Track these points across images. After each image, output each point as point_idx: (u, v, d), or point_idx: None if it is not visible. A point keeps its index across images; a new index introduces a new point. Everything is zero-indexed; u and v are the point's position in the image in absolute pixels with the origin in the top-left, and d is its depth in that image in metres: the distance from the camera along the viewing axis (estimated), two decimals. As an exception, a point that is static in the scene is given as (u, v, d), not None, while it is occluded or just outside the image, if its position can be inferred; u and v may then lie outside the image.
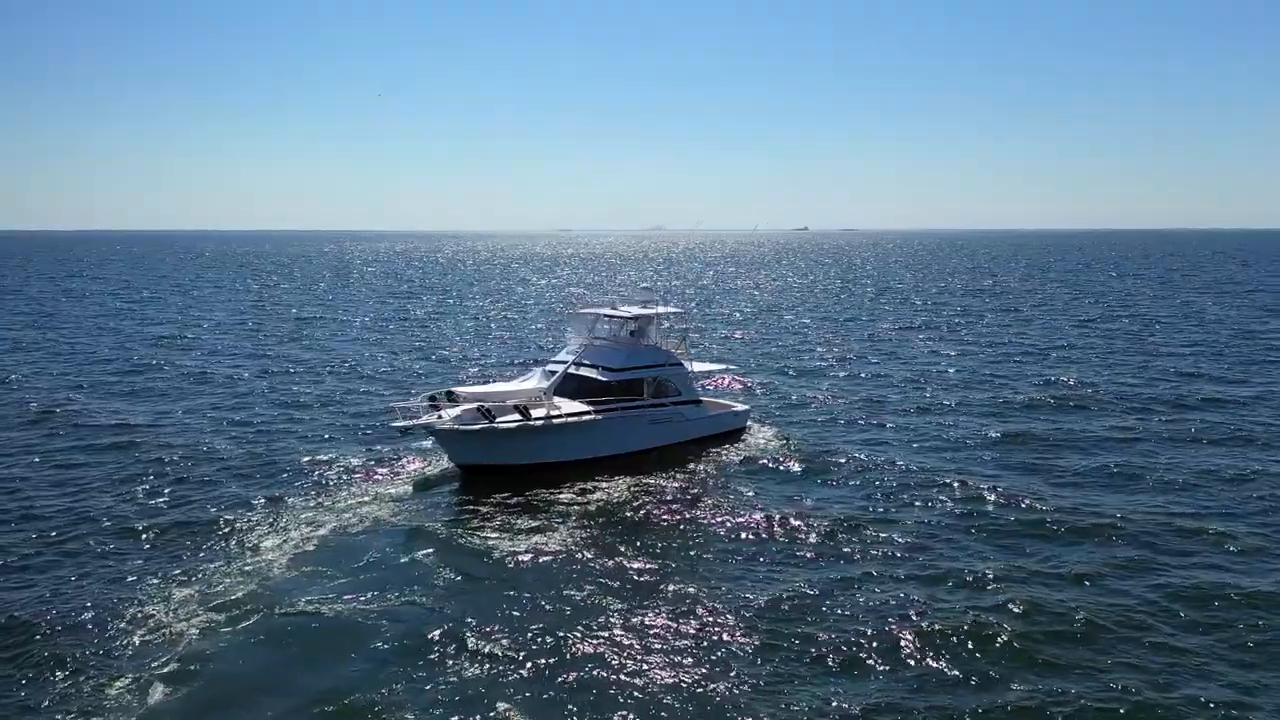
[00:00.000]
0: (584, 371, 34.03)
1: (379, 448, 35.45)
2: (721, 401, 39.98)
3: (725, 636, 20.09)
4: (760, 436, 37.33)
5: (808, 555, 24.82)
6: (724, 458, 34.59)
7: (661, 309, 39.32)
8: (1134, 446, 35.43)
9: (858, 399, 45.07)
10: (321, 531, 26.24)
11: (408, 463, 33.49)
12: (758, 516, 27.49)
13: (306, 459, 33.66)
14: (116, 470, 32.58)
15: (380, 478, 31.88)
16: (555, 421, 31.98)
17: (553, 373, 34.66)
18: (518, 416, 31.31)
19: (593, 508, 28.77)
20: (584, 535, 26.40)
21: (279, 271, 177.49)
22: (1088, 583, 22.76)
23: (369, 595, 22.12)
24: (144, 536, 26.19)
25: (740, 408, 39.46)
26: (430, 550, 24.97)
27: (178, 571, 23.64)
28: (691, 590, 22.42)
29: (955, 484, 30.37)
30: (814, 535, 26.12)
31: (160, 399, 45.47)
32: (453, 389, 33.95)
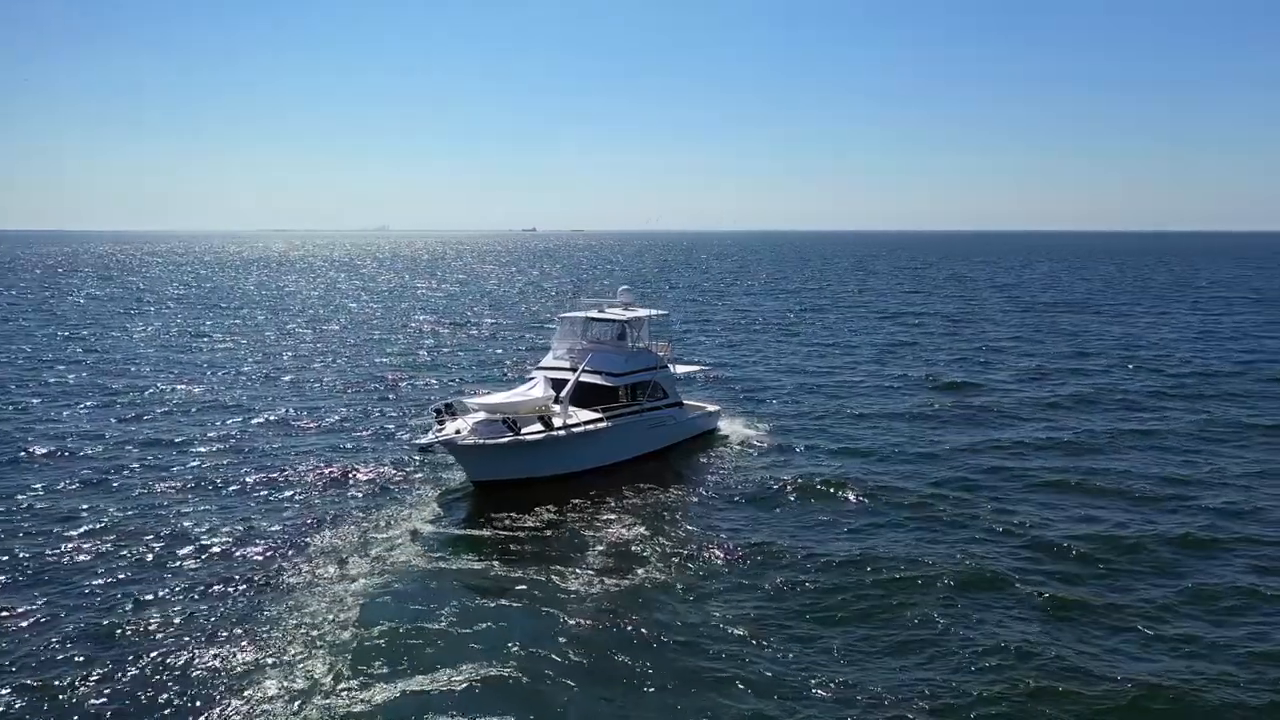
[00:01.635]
0: (587, 378, 32.94)
1: (368, 472, 32.14)
2: (695, 403, 39.63)
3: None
4: (736, 435, 37.84)
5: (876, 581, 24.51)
6: (719, 461, 34.50)
7: (649, 311, 38.62)
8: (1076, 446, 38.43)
9: (792, 395, 46.13)
10: (360, 585, 22.63)
11: (414, 487, 30.82)
12: (790, 529, 27.14)
13: (305, 495, 29.82)
14: (78, 513, 26.89)
15: (392, 508, 28.68)
16: (576, 430, 30.84)
17: (557, 380, 33.06)
18: (540, 426, 29.93)
19: (634, 529, 27.00)
20: (636, 568, 24.10)
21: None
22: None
23: (452, 670, 18.71)
24: (158, 612, 21.44)
25: (712, 408, 39.60)
26: (486, 600, 22.12)
27: (233, 659, 19.43)
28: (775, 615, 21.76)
29: (889, 477, 31.82)
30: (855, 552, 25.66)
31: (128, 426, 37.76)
32: (451, 401, 31.86)
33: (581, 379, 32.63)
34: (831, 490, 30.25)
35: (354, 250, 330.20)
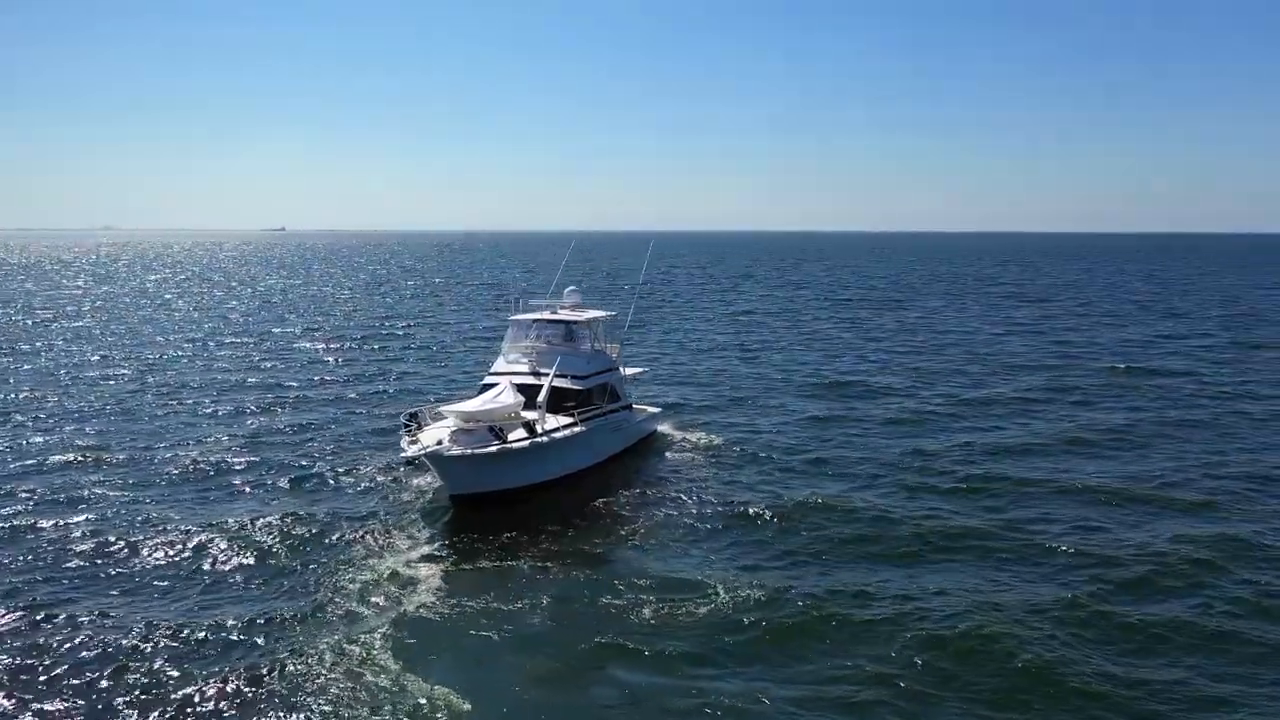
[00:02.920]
0: (558, 381, 31.31)
1: (312, 507, 27.81)
2: (639, 405, 38.26)
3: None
4: (679, 439, 36.90)
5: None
6: (681, 468, 33.01)
7: (603, 312, 37.72)
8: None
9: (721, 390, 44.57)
10: (371, 647, 18.83)
11: (375, 513, 27.40)
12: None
13: (250, 545, 24.67)
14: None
15: (364, 543, 24.94)
16: (557, 436, 29.18)
17: (522, 385, 30.75)
18: (523, 433, 28.10)
19: (646, 558, 24.46)
20: (676, 608, 21.28)
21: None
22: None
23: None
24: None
25: (654, 410, 38.76)
26: (516, 660, 18.90)
27: None
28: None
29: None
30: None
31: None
32: (416, 410, 29.82)
33: (556, 383, 31.15)
34: (819, 508, 28.07)
35: (80, 252, 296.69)
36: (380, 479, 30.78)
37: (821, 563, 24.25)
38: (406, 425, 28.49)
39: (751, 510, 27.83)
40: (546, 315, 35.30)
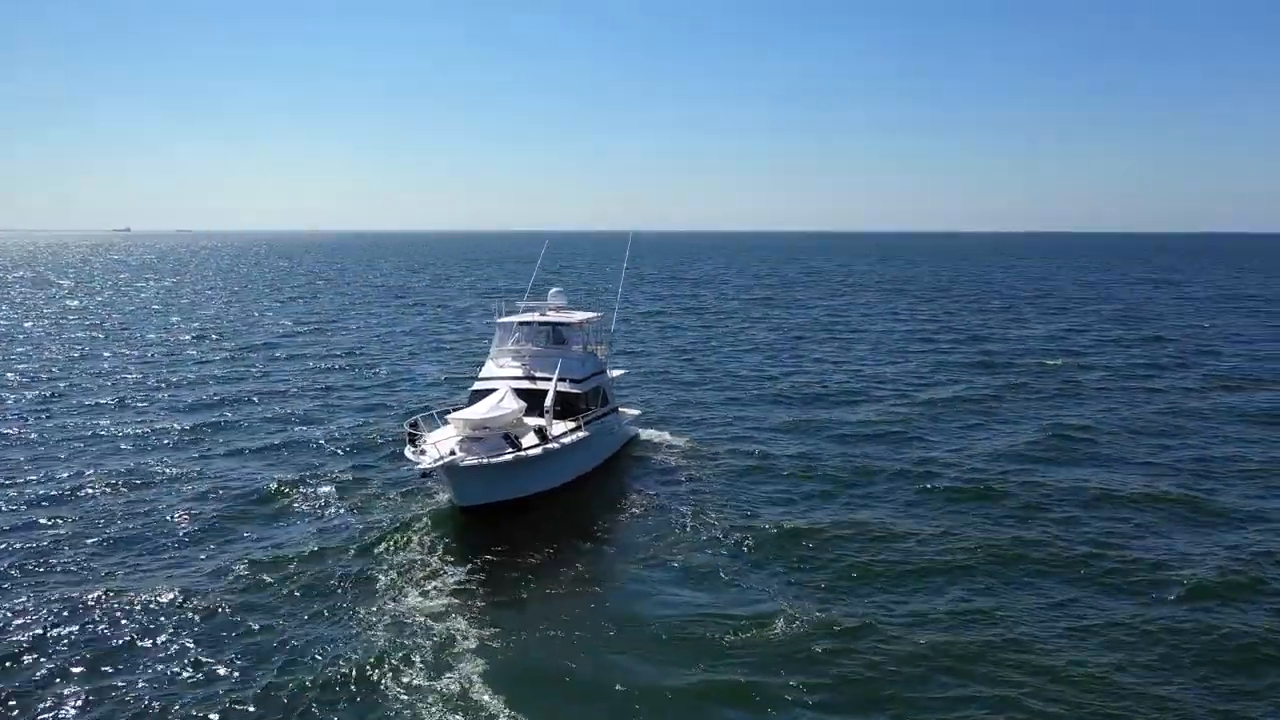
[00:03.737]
0: (560, 385, 30.23)
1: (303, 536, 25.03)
2: (622, 409, 37.15)
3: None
4: (659, 441, 36.30)
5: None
6: (680, 475, 31.72)
7: (593, 314, 36.88)
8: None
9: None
10: (466, 686, 16.91)
11: (383, 538, 25.09)
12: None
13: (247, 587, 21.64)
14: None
15: (380, 572, 22.76)
16: (566, 441, 27.94)
17: (524, 391, 29.63)
18: (535, 438, 27.15)
19: (691, 585, 22.77)
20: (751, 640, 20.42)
21: None
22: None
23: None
24: None
25: (635, 412, 37.96)
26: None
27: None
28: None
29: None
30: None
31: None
32: (417, 419, 28.19)
33: (559, 388, 29.93)
34: (850, 524, 26.55)
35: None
36: (361, 499, 28.44)
37: (881, 584, 22.58)
38: (411, 436, 26.67)
39: (779, 525, 26.31)
40: (537, 317, 34.05)
